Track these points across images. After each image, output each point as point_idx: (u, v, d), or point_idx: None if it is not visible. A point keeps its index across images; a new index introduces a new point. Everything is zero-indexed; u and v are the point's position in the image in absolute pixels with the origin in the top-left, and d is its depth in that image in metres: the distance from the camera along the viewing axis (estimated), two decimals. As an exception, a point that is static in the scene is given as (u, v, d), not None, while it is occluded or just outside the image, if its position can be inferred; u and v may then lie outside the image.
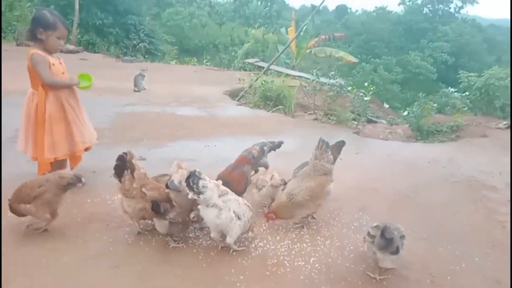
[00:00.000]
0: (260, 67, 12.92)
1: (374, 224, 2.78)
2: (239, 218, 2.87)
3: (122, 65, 13.81)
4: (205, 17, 38.70)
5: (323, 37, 17.81)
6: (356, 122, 7.57)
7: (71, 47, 16.18)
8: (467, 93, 7.90)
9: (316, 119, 7.98)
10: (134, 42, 20.01)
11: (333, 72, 8.14)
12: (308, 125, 7.31)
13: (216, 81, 11.17)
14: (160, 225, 3.02)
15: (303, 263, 2.92)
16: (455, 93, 7.97)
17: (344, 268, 2.89)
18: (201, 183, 2.76)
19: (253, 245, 3.10)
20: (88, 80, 3.92)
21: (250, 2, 46.92)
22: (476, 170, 4.91)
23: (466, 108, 7.67)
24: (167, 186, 2.96)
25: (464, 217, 3.75)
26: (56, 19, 3.63)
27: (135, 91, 9.04)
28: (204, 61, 18.75)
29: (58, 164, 3.86)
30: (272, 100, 8.61)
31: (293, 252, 3.04)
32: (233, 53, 24.50)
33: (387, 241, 2.56)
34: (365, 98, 7.09)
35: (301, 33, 18.37)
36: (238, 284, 2.66)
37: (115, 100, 7.87)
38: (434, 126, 7.19)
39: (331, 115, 7.87)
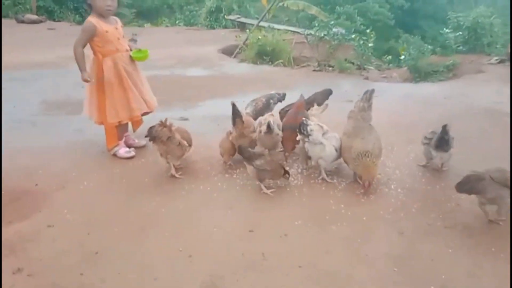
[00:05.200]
0: (242, 23, 12.88)
1: (430, 130, 3.55)
2: (336, 150, 3.38)
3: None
4: (156, -25, 37.00)
5: (292, -12, 17.66)
6: (356, 69, 7.92)
7: (33, 16, 15.33)
8: (460, 32, 8.41)
9: (315, 70, 8.29)
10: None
11: (333, 22, 8.38)
12: (318, 76, 7.60)
13: (205, 40, 11.11)
14: (250, 170, 3.30)
15: (387, 189, 3.32)
16: (449, 34, 8.46)
17: (423, 189, 3.32)
18: (309, 128, 3.28)
19: (335, 180, 3.46)
20: (143, 53, 3.92)
21: (203, -44, 45.06)
22: (489, 101, 5.45)
23: (460, 47, 8.22)
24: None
25: (502, 141, 4.21)
26: None
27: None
28: (177, 21, 18.28)
29: (121, 128, 4.00)
30: (268, 55, 8.80)
31: (373, 182, 3.41)
32: (187, 13, 23.74)
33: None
34: (369, 45, 7.44)
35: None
36: (342, 210, 3.02)
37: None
38: (430, 66, 7.67)
39: (330, 65, 8.20)
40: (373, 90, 3.49)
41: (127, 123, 4.10)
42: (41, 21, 15.37)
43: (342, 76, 7.58)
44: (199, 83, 6.83)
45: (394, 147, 4.10)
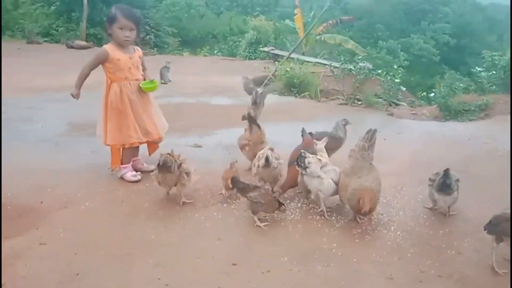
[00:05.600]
0: (276, 55, 13.08)
1: (434, 172, 3.38)
2: (336, 184, 3.33)
3: (137, 59, 13.92)
4: (203, 7, 38.34)
5: (331, 22, 17.79)
6: (384, 104, 7.80)
7: (82, 42, 16.25)
8: (493, 72, 8.14)
9: (342, 103, 8.23)
10: (141, 35, 19.92)
11: (360, 56, 8.35)
12: (340, 109, 7.55)
13: (236, 71, 11.30)
14: (245, 201, 3.27)
15: (386, 231, 3.17)
16: (482, 73, 8.21)
17: (424, 233, 3.15)
18: (306, 160, 3.29)
19: (333, 217, 3.36)
20: (153, 84, 4.08)
21: (247, -10, 46.67)
22: (516, 144, 5.16)
23: (494, 87, 7.93)
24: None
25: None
26: (117, 11, 3.81)
27: (162, 83, 9.22)
28: (215, 51, 18.86)
29: (128, 152, 4.10)
30: (296, 87, 8.85)
31: (373, 223, 3.28)
32: (231, 43, 24.41)
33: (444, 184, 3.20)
34: (396, 80, 7.32)
35: (309, 19, 18.49)
36: (334, 250, 2.91)
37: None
38: (461, 105, 7.42)
39: (358, 99, 8.14)
40: (375, 130, 3.37)
41: (137, 148, 4.23)
42: (89, 47, 16.23)
43: (367, 111, 7.47)
44: (220, 111, 6.94)
45: (404, 187, 3.95)
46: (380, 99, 8.00)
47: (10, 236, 2.98)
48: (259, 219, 3.27)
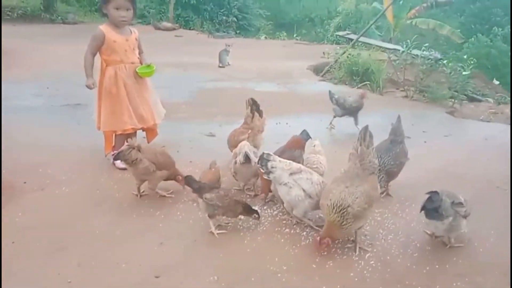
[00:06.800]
0: (351, 40, 12.17)
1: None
2: (310, 197, 2.82)
3: (213, 41, 14.00)
4: (302, -11, 37.61)
5: (424, 5, 16.09)
6: (452, 100, 6.73)
7: (168, 24, 16.80)
8: None
9: (406, 96, 7.31)
10: (225, 17, 20.11)
11: (427, 44, 7.26)
12: (397, 103, 6.71)
13: (303, 56, 10.80)
14: (200, 203, 2.90)
15: (357, 258, 2.62)
16: None
17: (403, 268, 2.54)
18: (269, 164, 2.85)
19: (304, 233, 2.88)
20: (150, 68, 3.90)
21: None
22: None
23: None
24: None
25: None
26: None
27: (219, 66, 9.10)
28: (294, 35, 18.24)
29: (121, 138, 3.92)
30: (358, 75, 8.06)
31: (348, 245, 2.74)
32: (327, 27, 23.52)
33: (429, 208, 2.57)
34: (464, 73, 6.21)
35: (401, 1, 16.92)
36: (279, 275, 2.46)
37: (200, 76, 7.97)
38: (550, 106, 6.11)
39: (425, 92, 7.15)
40: (366, 127, 2.74)
41: (133, 134, 4.10)
42: (174, 29, 16.73)
43: (425, 106, 6.50)
44: (259, 99, 6.53)
45: (413, 204, 3.27)
46: (449, 93, 6.91)
47: (-25, 215, 3.02)
48: (219, 224, 2.94)
